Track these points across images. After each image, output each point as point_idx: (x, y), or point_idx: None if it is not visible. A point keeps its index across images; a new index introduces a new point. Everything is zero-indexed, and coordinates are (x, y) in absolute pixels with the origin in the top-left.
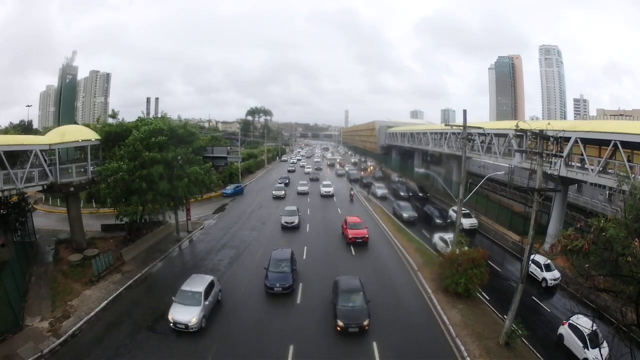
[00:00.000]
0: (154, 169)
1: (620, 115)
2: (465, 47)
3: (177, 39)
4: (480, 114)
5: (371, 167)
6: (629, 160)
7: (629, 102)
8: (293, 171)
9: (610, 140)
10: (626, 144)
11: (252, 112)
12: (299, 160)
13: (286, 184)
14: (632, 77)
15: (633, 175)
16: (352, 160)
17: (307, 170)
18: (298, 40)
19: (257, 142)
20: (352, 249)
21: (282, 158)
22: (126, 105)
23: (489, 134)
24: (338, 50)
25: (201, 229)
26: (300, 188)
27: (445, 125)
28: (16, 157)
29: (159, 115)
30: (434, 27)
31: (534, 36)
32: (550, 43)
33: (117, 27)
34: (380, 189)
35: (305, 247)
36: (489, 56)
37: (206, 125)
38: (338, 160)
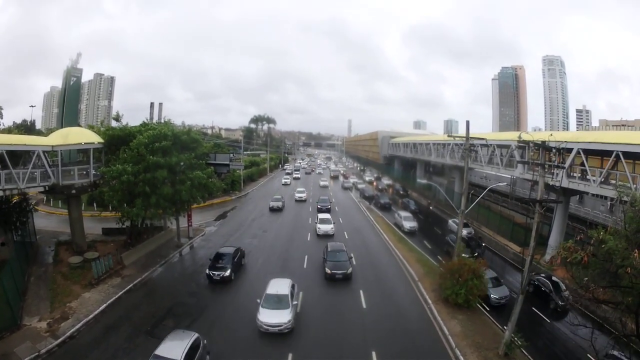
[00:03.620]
0: (158, 173)
1: (623, 125)
2: (462, 56)
3: (177, 46)
4: (482, 124)
5: (391, 188)
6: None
7: (627, 111)
8: (279, 209)
9: (612, 151)
10: (628, 155)
11: (256, 120)
12: (295, 179)
13: (234, 266)
14: (636, 86)
15: (634, 186)
16: (367, 178)
17: (320, 229)
18: (295, 50)
19: (260, 150)
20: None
21: (284, 166)
22: (128, 109)
23: (491, 144)
24: (339, 60)
25: (202, 235)
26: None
27: (448, 136)
28: (18, 157)
29: (163, 121)
30: (431, 36)
31: (534, 45)
32: (554, 53)
33: (119, 33)
34: (408, 221)
35: None
36: (488, 65)
37: (209, 131)
38: (342, 172)
